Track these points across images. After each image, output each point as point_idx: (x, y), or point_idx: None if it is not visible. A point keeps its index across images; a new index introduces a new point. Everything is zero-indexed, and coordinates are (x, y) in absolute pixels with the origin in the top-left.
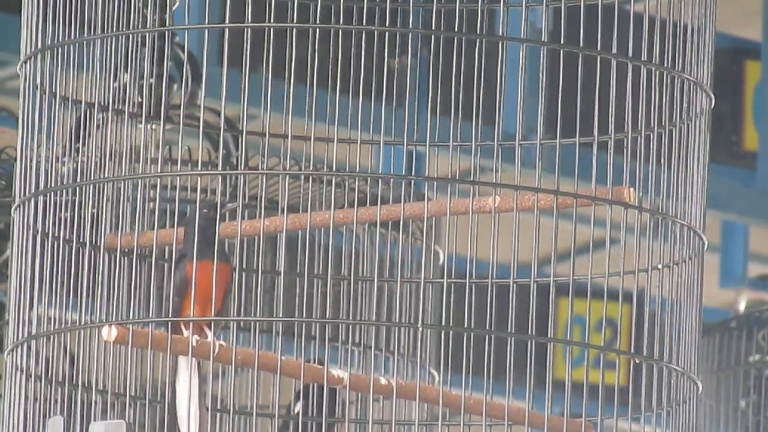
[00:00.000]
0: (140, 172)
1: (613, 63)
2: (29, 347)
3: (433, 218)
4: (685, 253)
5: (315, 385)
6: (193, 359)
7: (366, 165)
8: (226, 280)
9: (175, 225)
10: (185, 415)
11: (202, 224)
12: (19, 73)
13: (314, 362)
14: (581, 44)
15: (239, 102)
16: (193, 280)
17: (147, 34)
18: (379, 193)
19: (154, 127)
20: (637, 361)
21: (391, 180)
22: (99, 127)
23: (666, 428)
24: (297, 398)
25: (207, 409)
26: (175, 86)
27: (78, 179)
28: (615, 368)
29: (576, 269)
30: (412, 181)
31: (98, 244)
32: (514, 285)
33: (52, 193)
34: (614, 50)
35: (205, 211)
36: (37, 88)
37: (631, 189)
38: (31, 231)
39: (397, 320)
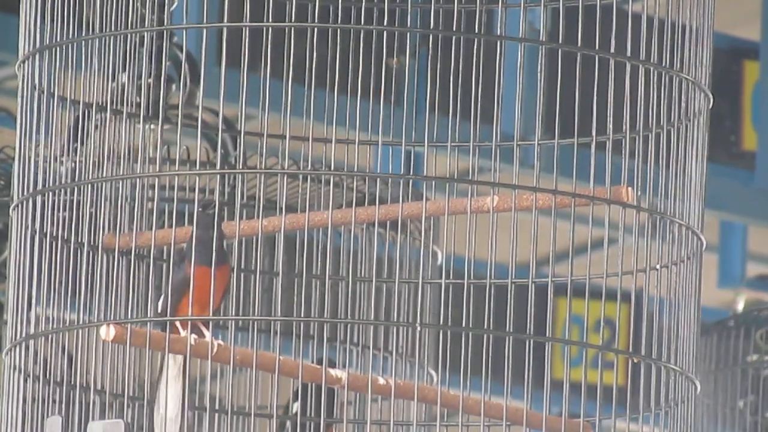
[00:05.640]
0: (138, 171)
1: (612, 63)
2: (27, 347)
3: (432, 218)
4: (684, 253)
5: (313, 385)
6: (182, 361)
7: (364, 165)
8: (225, 283)
9: (174, 225)
10: (170, 415)
11: (202, 228)
12: (17, 72)
13: (316, 362)
14: (579, 44)
15: (237, 102)
16: (191, 285)
17: (145, 34)
18: (377, 193)
19: (152, 126)
20: (636, 361)
21: (390, 180)
22: (97, 126)
23: (664, 428)
24: (295, 398)
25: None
26: (174, 86)
27: (76, 179)
28: (613, 368)
29: (574, 269)
30: (411, 181)
31: (96, 243)
32: (513, 285)
33: (51, 193)
34: (612, 50)
35: (199, 209)
36: (35, 87)
37: (630, 189)
38: (29, 231)
39: (395, 320)
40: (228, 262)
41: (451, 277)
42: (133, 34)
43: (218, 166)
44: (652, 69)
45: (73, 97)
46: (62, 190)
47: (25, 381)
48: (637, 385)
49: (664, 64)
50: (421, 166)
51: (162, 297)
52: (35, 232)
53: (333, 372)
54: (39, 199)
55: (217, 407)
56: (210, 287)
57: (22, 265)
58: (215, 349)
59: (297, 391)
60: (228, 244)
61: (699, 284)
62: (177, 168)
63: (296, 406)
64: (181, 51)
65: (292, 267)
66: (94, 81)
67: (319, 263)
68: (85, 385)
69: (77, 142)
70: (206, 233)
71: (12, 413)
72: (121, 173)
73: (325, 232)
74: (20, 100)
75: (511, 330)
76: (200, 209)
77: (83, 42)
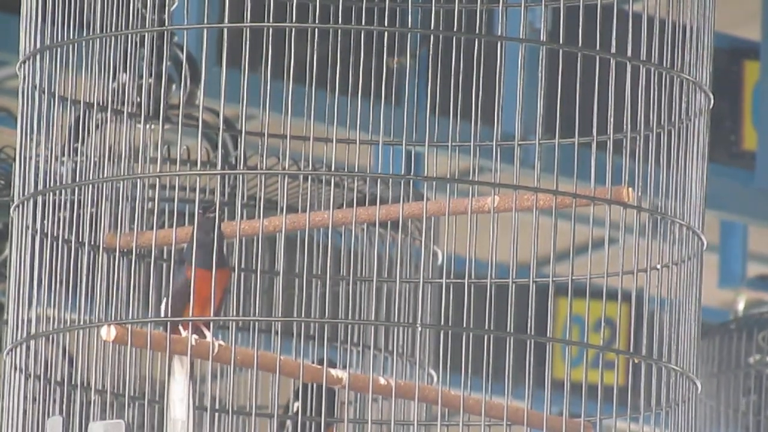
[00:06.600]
0: (139, 171)
1: (612, 63)
2: (28, 347)
3: (432, 218)
4: (684, 253)
5: (313, 384)
6: (188, 362)
7: (365, 165)
8: (224, 286)
9: (174, 225)
10: (177, 417)
11: (203, 231)
12: (18, 73)
13: (316, 363)
14: (580, 44)
15: (238, 102)
16: (192, 289)
17: (146, 34)
18: (377, 193)
19: (152, 126)
20: (636, 361)
21: (390, 180)
22: (98, 126)
23: (665, 428)
24: (296, 398)
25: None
26: (174, 86)
27: (77, 179)
28: (614, 368)
29: (575, 269)
30: (411, 181)
31: (97, 243)
32: (513, 285)
33: (51, 193)
34: (613, 50)
35: (199, 212)
36: (35, 88)
37: (630, 189)
38: (30, 231)
39: (395, 320)
40: (228, 265)
41: (451, 277)
42: (134, 35)
43: (219, 166)
44: (652, 69)
45: (73, 97)
46: (63, 190)
47: (26, 381)
48: (637, 385)
49: (664, 64)
50: (421, 166)
51: (164, 300)
52: (36, 232)
53: (334, 372)
54: (39, 199)
55: (217, 407)
56: (210, 291)
57: (23, 265)
58: (216, 350)
59: (297, 390)
60: (228, 244)
61: (699, 284)
62: (177, 168)
63: (296, 406)
64: (182, 51)
65: (293, 267)
66: (94, 81)
67: (319, 263)
68: (85, 385)
69: (78, 142)
70: (207, 236)
71: (13, 413)
72: (121, 173)
73: (326, 232)
74: (21, 100)
75: (512, 330)
76: (200, 212)
77: (84, 42)
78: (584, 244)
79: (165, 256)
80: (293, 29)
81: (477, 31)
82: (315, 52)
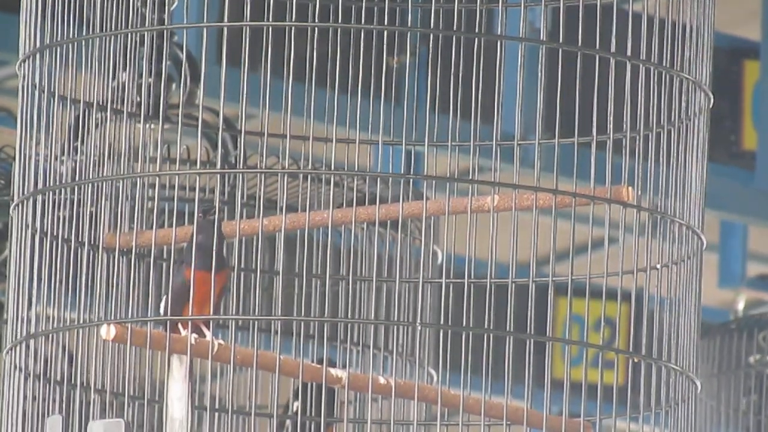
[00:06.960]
0: (139, 171)
1: (612, 62)
2: (28, 346)
3: (432, 217)
4: (684, 252)
5: (313, 384)
6: (188, 361)
7: (365, 164)
8: (223, 286)
9: (174, 224)
10: (176, 416)
11: (202, 233)
12: (18, 72)
13: (316, 362)
14: (580, 43)
15: (238, 101)
16: (191, 290)
17: (146, 33)
18: (377, 193)
19: (152, 126)
20: (636, 361)
21: (390, 179)
22: (97, 126)
23: (665, 428)
24: (295, 397)
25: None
26: (174, 85)
27: (77, 178)
28: (614, 368)
29: (575, 269)
30: (411, 181)
31: (97, 243)
32: (513, 284)
33: (51, 192)
34: (613, 49)
35: (200, 215)
36: (35, 87)
37: (630, 188)
38: (29, 230)
39: (395, 319)
40: (227, 266)
41: (451, 276)
42: (134, 34)
43: (218, 166)
44: (652, 69)
45: (73, 97)
46: (62, 190)
47: (26, 380)
48: (637, 384)
49: (664, 63)
50: (421, 165)
51: (163, 300)
52: (36, 231)
53: (333, 371)
54: (39, 198)
55: (217, 406)
56: (209, 292)
57: (23, 265)
58: (216, 349)
59: (297, 390)
60: (228, 244)
61: (699, 284)
62: (177, 167)
63: (296, 406)
64: (182, 50)
65: (292, 266)
66: (94, 80)
67: (319, 263)
68: (85, 384)
69: (77, 141)
70: (206, 238)
71: (12, 412)
72: (121, 172)
73: (326, 231)
74: (21, 100)
75: (512, 329)
76: (200, 215)
77: (83, 41)
78: (584, 244)
79: (165, 256)
80: (293, 28)
81: (477, 30)
82: (315, 50)
